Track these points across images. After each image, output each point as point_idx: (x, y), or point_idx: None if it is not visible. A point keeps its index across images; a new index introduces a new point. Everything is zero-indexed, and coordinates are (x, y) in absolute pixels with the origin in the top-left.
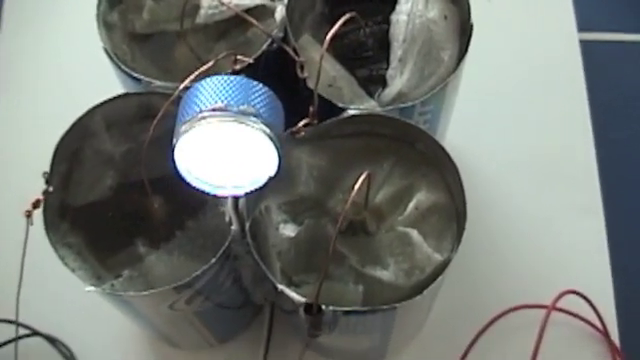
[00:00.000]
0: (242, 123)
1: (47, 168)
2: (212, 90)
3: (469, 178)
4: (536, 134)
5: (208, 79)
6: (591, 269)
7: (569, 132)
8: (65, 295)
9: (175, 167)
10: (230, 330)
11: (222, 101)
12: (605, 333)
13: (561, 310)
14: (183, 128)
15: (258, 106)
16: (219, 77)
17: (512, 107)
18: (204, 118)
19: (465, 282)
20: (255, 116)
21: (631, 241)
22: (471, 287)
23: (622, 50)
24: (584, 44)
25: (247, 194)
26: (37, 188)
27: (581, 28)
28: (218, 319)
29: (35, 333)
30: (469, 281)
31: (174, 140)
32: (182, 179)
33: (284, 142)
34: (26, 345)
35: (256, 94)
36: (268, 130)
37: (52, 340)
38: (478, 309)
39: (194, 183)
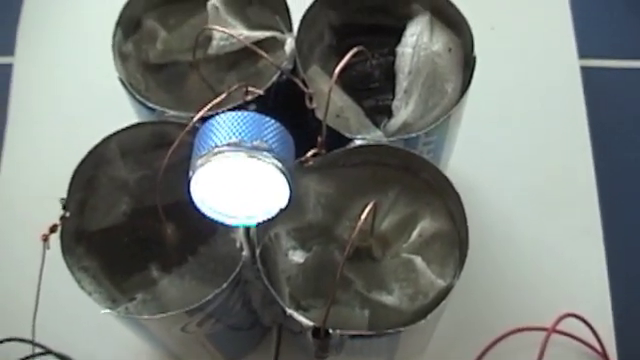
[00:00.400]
0: (255, 158)
1: (63, 195)
2: (227, 126)
3: (470, 202)
4: (537, 159)
5: (223, 115)
6: (590, 291)
7: (570, 157)
8: (78, 315)
9: (190, 198)
10: (240, 350)
11: (236, 137)
12: (604, 355)
13: (561, 332)
14: (199, 162)
15: (270, 141)
16: (233, 113)
17: (514, 132)
18: (219, 153)
19: (467, 305)
20: (268, 151)
21: (630, 263)
22: (472, 309)
23: (622, 76)
24: (585, 70)
25: (259, 224)
26: (53, 214)
27: (582, 55)
28: (228, 340)
29: (48, 352)
30: (471, 304)
31: (190, 173)
32: (197, 209)
33: (298, 163)
34: None
35: (268, 129)
36: (280, 164)
37: (65, 359)
38: (479, 331)
39: (208, 213)
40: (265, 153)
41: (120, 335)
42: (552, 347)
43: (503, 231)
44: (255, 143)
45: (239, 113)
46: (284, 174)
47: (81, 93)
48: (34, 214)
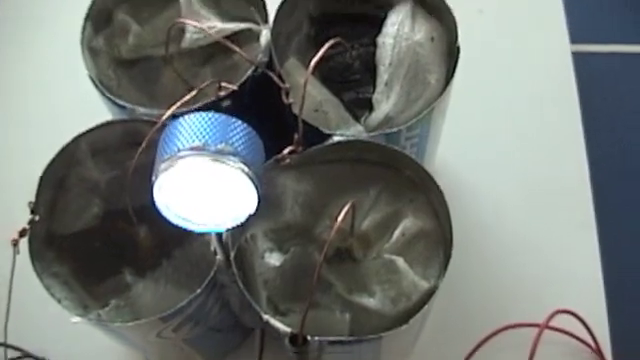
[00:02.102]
0: (220, 162)
1: (33, 196)
2: (190, 129)
3: (460, 196)
4: (529, 149)
5: (187, 117)
6: (584, 287)
7: (562, 147)
8: (55, 316)
9: (154, 203)
10: (220, 353)
11: (200, 140)
12: (598, 351)
13: (554, 329)
14: (162, 166)
15: (236, 144)
16: (198, 115)
17: (504, 122)
18: (183, 157)
19: (458, 301)
20: (233, 155)
21: (624, 259)
22: (464, 306)
23: (615, 61)
24: (576, 56)
25: (228, 230)
26: (24, 216)
27: (574, 40)
28: (207, 344)
29: (26, 355)
30: (462, 300)
31: (153, 178)
32: (161, 216)
33: (263, 178)
34: None
35: (234, 132)
36: (246, 169)
37: None
38: (471, 328)
39: (174, 220)
40: (231, 157)
41: (99, 336)
42: (545, 344)
43: (493, 226)
44: (220, 147)
45: (204, 114)
46: (251, 179)
47: (52, 92)
48: (5, 217)
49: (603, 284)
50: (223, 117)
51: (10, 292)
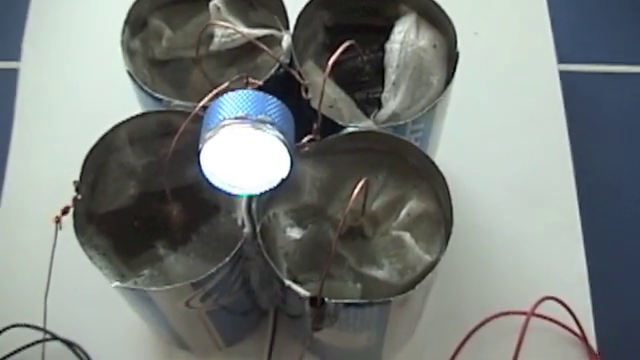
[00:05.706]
0: (259, 129)
1: (74, 179)
2: (234, 102)
3: (455, 194)
4: (519, 154)
5: (230, 93)
6: (569, 277)
7: (548, 152)
8: (83, 300)
9: (200, 169)
10: (237, 333)
11: (242, 111)
12: (583, 337)
13: (541, 316)
14: (208, 134)
15: (273, 116)
16: (239, 92)
17: (496, 135)
18: (227, 125)
19: (451, 291)
20: (271, 124)
21: (606, 248)
22: (456, 295)
23: (600, 80)
24: (563, 75)
25: (262, 194)
26: (64, 197)
27: (560, 60)
28: (228, 321)
29: (54, 337)
30: (454, 290)
31: (200, 145)
32: (206, 180)
33: (295, 148)
34: (45, 349)
35: (271, 106)
36: (282, 136)
37: (70, 344)
38: (462, 316)
39: (216, 183)
40: (269, 126)
41: (125, 320)
42: (534, 331)
43: (484, 219)
44: (260, 117)
45: (244, 91)
46: (285, 145)
47: (92, 87)
48: (45, 200)
49: (587, 273)
50: (261, 94)
51: (50, 273)
